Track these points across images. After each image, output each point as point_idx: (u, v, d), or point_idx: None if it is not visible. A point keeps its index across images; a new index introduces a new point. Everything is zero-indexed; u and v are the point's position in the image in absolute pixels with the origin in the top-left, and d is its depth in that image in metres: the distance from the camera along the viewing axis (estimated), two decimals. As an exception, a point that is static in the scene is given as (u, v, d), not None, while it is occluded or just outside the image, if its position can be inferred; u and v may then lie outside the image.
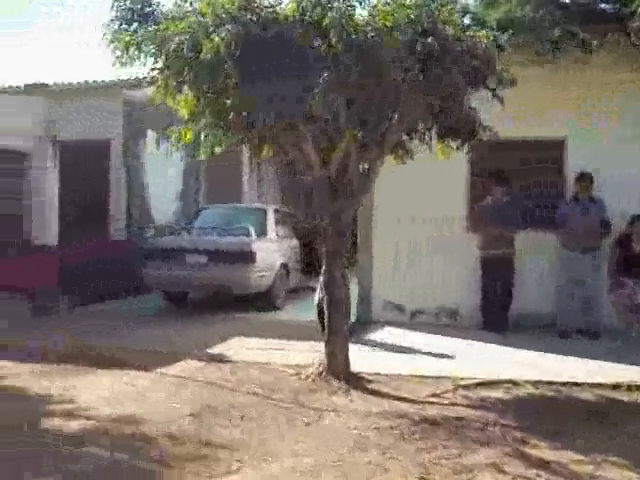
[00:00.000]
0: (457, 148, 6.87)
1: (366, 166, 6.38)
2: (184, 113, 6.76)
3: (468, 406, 5.80)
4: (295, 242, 10.89)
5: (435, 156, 6.95)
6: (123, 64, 6.11)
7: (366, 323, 8.97)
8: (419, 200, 8.88)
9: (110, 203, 10.96)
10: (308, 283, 11.48)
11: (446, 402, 5.90)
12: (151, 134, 11.73)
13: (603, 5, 9.50)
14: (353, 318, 9.21)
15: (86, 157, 10.55)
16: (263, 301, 9.88)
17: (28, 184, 10.43)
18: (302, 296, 11.27)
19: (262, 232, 9.92)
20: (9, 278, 9.03)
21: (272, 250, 9.93)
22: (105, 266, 10.42)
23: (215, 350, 7.66)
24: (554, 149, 8.81)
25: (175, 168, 12.68)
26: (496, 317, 8.57)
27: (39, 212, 9.52)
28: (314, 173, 6.11)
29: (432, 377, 6.59)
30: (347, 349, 6.34)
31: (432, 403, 5.84)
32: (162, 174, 12.10)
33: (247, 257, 9.42)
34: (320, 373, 6.31)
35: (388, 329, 8.65)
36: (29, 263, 9.20)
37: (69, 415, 5.42)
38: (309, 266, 11.22)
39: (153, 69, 5.86)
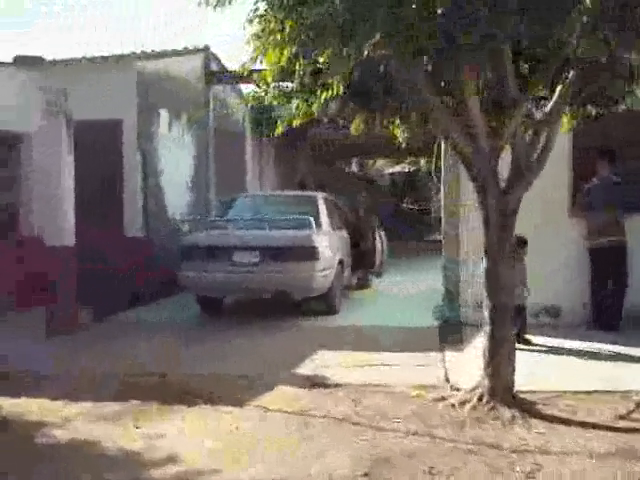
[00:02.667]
0: (596, 117, 5.70)
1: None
2: (268, 75, 5.40)
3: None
4: (345, 234, 9.41)
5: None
6: (216, 3, 4.62)
7: (456, 326, 7.67)
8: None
9: (125, 193, 9.23)
10: (352, 281, 10.13)
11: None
12: (164, 114, 10.15)
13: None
14: (436, 320, 8.00)
15: (95, 140, 8.82)
16: (321, 304, 8.39)
17: (29, 173, 8.74)
18: (351, 295, 9.91)
19: (317, 224, 8.38)
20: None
21: (329, 245, 8.41)
22: (125, 268, 8.81)
23: (305, 370, 6.19)
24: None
25: (187, 153, 11.04)
26: (607, 314, 7.41)
27: (49, 207, 7.81)
28: (479, 145, 4.74)
29: (590, 392, 5.40)
30: (514, 366, 5.01)
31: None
32: (174, 160, 10.45)
33: (309, 254, 7.86)
34: (480, 397, 4.96)
35: (488, 333, 7.35)
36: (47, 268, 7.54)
37: (190, 485, 3.93)
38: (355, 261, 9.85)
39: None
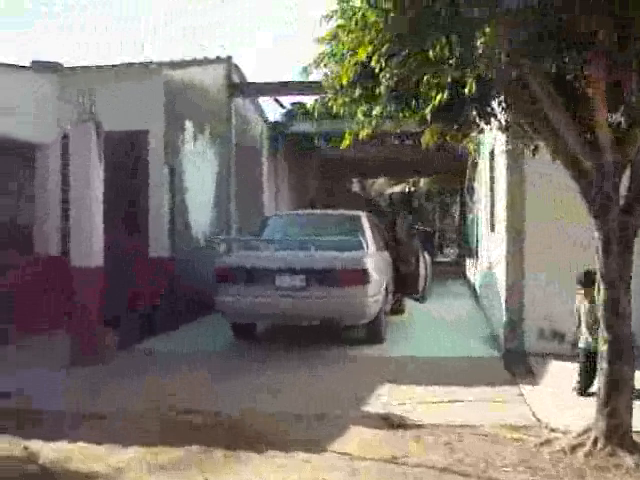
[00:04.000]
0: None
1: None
2: (344, 77, 4.88)
3: None
4: (387, 255, 8.77)
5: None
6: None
7: (519, 356, 7.06)
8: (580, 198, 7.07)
9: (150, 210, 8.53)
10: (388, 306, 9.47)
11: None
12: (190, 126, 9.53)
13: None
14: (495, 350, 7.41)
15: (117, 151, 8.16)
16: (367, 332, 7.73)
17: (48, 185, 8.11)
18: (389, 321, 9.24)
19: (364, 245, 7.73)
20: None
21: (376, 267, 7.76)
22: (150, 291, 8.15)
23: (374, 407, 5.54)
24: None
25: (210, 169, 10.40)
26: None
27: (74, 223, 7.15)
28: (603, 158, 4.17)
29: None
30: (632, 407, 4.41)
31: None
32: (199, 175, 9.80)
33: (361, 278, 7.21)
34: (595, 442, 4.35)
35: (558, 364, 6.75)
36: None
37: None
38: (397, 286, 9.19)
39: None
